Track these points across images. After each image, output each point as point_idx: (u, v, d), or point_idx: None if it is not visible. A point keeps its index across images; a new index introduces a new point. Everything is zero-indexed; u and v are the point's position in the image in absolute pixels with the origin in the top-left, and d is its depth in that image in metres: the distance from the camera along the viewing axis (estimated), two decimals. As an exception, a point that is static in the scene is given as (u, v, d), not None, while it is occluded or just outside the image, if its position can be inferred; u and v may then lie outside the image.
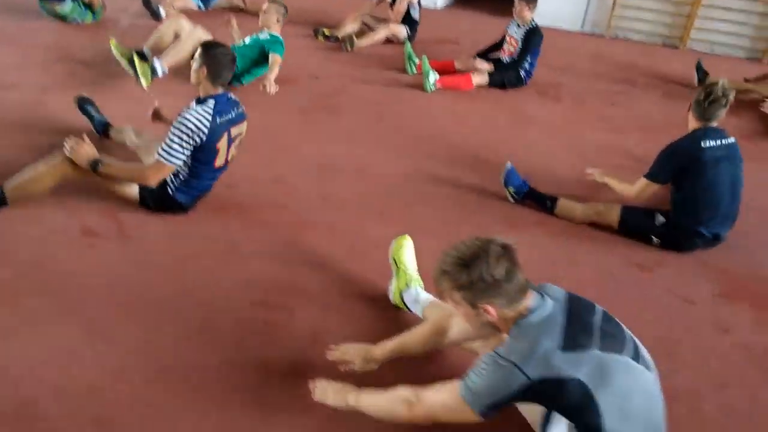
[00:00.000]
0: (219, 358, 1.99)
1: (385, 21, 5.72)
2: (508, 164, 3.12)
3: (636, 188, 2.92)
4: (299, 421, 1.80)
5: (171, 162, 2.52)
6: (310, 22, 6.07)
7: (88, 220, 2.61)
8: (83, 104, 3.35)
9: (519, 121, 4.30)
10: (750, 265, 2.80)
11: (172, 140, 2.49)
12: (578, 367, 1.33)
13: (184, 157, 2.54)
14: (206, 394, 1.86)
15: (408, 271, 2.23)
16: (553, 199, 3.02)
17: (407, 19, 5.71)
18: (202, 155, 2.58)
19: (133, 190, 2.65)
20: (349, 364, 1.86)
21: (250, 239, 2.64)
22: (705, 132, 2.73)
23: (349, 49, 5.38)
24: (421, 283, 2.23)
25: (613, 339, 1.42)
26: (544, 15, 7.19)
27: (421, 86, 4.63)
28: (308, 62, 5.07)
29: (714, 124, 2.75)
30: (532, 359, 1.34)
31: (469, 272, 1.39)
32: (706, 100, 2.69)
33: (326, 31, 5.74)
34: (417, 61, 4.89)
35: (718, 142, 2.72)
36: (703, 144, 2.69)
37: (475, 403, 1.41)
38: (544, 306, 1.44)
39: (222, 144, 2.61)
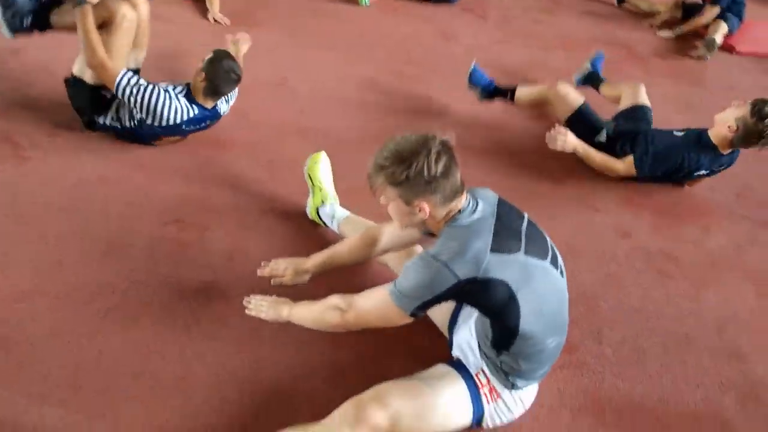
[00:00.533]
0: (128, 279, 1.94)
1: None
2: (474, 63, 3.17)
3: (610, 163, 2.80)
4: (213, 338, 1.80)
5: (119, 84, 2.33)
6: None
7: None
8: None
9: (445, 39, 4.22)
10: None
11: (133, 92, 2.34)
12: (505, 269, 1.36)
13: (130, 103, 2.38)
14: (114, 315, 1.82)
15: (323, 188, 2.20)
16: (513, 88, 3.10)
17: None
18: (146, 124, 2.44)
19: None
20: (280, 278, 1.84)
21: (164, 158, 2.52)
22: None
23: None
24: (337, 199, 2.22)
25: (536, 245, 1.46)
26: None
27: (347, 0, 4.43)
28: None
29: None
30: (462, 259, 1.34)
31: (407, 168, 1.35)
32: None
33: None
34: None
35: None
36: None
37: (405, 304, 1.41)
38: (476, 208, 1.44)
39: (172, 139, 2.55)
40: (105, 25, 2.34)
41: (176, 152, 2.57)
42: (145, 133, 2.49)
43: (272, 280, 1.85)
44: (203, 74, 2.42)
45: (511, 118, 3.24)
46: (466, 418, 1.53)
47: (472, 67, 3.16)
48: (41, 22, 2.46)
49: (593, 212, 2.64)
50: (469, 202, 1.46)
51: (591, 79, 3.40)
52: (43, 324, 1.76)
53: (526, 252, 1.41)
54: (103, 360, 1.69)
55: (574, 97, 2.93)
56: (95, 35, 2.28)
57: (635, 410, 1.78)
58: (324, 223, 2.20)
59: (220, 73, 2.41)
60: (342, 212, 2.15)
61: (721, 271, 2.38)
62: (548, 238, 1.55)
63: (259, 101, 3.04)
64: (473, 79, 3.14)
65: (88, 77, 2.39)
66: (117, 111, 2.48)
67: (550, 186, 2.77)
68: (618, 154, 2.78)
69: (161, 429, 1.55)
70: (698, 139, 2.71)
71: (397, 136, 1.42)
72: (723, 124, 2.61)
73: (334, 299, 1.58)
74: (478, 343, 1.58)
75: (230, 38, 2.99)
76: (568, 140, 2.71)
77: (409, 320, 1.46)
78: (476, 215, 1.43)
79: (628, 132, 2.81)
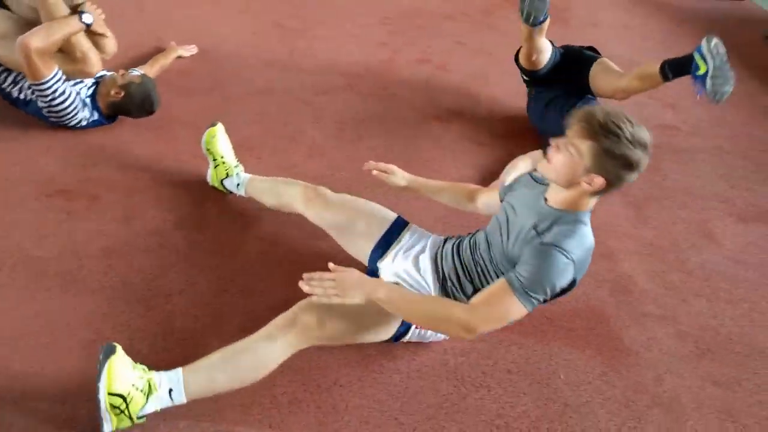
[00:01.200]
0: (15, 257, 1.86)
1: None
2: None
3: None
4: (115, 298, 1.78)
5: (48, 81, 2.23)
6: None
7: None
8: None
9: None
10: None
11: (55, 95, 2.27)
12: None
13: (44, 99, 2.29)
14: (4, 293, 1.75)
15: (226, 161, 2.15)
16: None
17: None
18: (39, 111, 2.36)
19: None
20: (387, 174, 1.82)
21: (43, 134, 2.39)
22: None
23: None
24: (240, 166, 2.17)
25: None
26: None
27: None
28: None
29: None
30: (583, 268, 1.40)
31: (629, 149, 1.30)
32: None
33: None
34: None
35: None
36: None
37: (532, 302, 1.37)
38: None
39: None
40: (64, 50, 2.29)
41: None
42: (30, 111, 2.39)
43: (375, 172, 1.82)
44: (122, 92, 2.33)
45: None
46: (392, 328, 1.59)
47: None
48: None
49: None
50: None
51: None
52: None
53: None
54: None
55: None
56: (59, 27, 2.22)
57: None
58: (229, 191, 2.18)
59: (138, 102, 2.37)
60: (245, 176, 2.12)
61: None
62: None
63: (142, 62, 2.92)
64: None
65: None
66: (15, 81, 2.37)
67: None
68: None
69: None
70: None
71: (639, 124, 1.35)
72: None
73: (458, 312, 1.41)
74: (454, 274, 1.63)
75: (177, 48, 2.99)
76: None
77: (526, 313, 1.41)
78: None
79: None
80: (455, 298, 1.62)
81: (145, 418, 1.41)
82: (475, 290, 1.58)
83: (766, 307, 2.08)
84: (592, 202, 1.43)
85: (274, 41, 3.38)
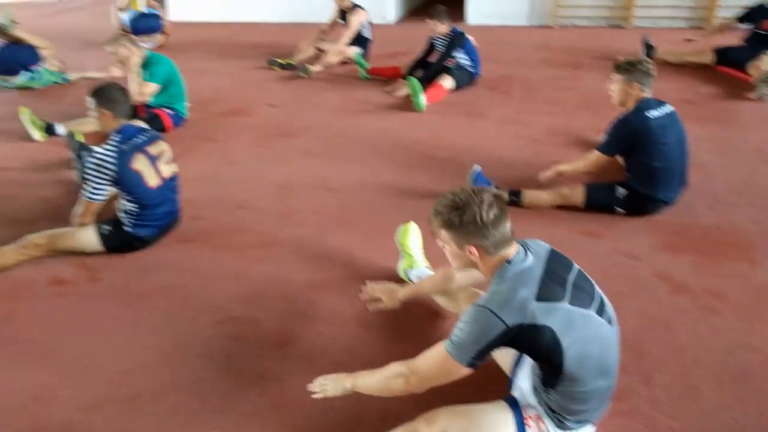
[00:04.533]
0: (190, 376, 2.07)
1: (337, 43, 5.89)
2: (476, 167, 3.22)
3: (589, 160, 3.07)
4: (272, 422, 1.88)
5: (93, 199, 2.71)
6: (265, 54, 6.26)
7: (57, 271, 2.70)
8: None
9: (472, 118, 4.45)
10: (690, 217, 2.93)
11: (88, 181, 2.67)
12: (549, 315, 1.44)
13: (104, 193, 2.70)
14: (179, 412, 1.93)
15: (412, 254, 2.48)
16: (517, 193, 3.09)
17: (359, 39, 5.87)
18: (129, 184, 2.70)
19: (92, 242, 2.76)
20: (377, 303, 2.17)
21: (216, 263, 2.73)
22: (647, 103, 2.88)
23: (304, 75, 5.55)
24: (427, 262, 2.47)
25: (582, 294, 1.54)
26: (489, 14, 7.47)
27: (373, 100, 4.79)
28: (265, 92, 5.24)
29: (649, 93, 2.90)
30: (509, 307, 1.44)
31: (460, 214, 1.52)
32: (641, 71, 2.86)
33: (280, 61, 5.93)
34: (367, 66, 5.33)
35: (661, 111, 2.87)
36: (648, 114, 2.84)
37: (461, 356, 1.49)
38: (525, 258, 1.55)
39: (141, 165, 2.72)
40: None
41: (226, 256, 2.80)
42: (148, 200, 2.77)
43: (370, 305, 2.18)
44: (102, 110, 2.69)
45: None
46: None
47: (474, 170, 3.20)
48: None
49: (631, 260, 2.63)
50: (519, 253, 1.57)
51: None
52: (117, 430, 1.89)
53: (571, 301, 1.49)
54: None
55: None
56: (75, 215, 2.80)
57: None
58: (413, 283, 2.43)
59: (110, 96, 2.71)
60: (427, 272, 2.40)
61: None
62: (596, 288, 1.62)
63: (300, 201, 3.29)
64: (474, 182, 3.17)
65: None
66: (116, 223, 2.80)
67: (586, 239, 2.80)
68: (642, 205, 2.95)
69: None
70: None
71: (458, 188, 1.59)
72: None
73: (395, 367, 1.66)
74: (533, 382, 1.64)
75: None
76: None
77: (468, 371, 1.52)
78: (525, 264, 1.54)
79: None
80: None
81: None
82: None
83: None
84: (492, 261, 1.56)
85: (426, 169, 3.60)
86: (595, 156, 3.04)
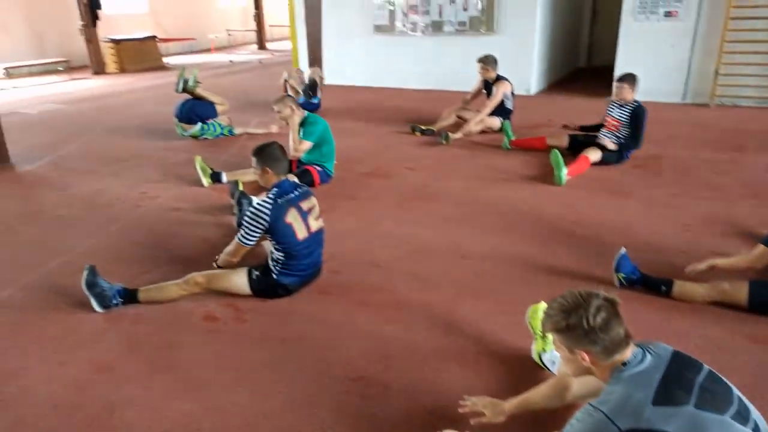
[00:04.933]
0: (318, 429, 2.14)
1: (479, 113, 6.02)
2: (622, 249, 3.02)
3: (754, 256, 2.78)
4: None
5: (245, 243, 2.95)
6: (408, 120, 6.54)
7: (210, 308, 2.95)
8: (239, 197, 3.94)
9: (617, 197, 4.26)
10: None
11: (244, 227, 2.91)
12: (669, 420, 1.36)
13: (255, 240, 2.94)
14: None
15: (545, 337, 2.39)
16: (668, 283, 2.87)
17: (501, 109, 5.96)
18: (280, 235, 2.90)
19: (243, 285, 2.99)
20: (479, 416, 2.02)
21: (350, 319, 2.82)
22: None
23: (444, 142, 5.71)
24: None
25: (714, 398, 1.43)
26: (640, 90, 7.21)
27: (512, 170, 4.78)
28: (405, 156, 5.44)
29: None
30: (623, 411, 1.40)
31: (568, 318, 1.53)
32: None
33: (422, 126, 6.16)
34: (513, 136, 5.37)
35: None
36: None
37: None
38: (642, 360, 1.51)
39: (292, 218, 2.92)
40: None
41: (360, 312, 2.87)
42: (295, 251, 2.95)
43: (471, 419, 2.01)
44: (264, 168, 2.95)
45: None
46: None
47: (620, 253, 3.00)
48: (129, 299, 2.99)
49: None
50: (636, 355, 1.52)
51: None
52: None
53: (698, 405, 1.40)
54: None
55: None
56: (225, 254, 3.12)
57: None
58: (547, 368, 2.35)
59: (271, 155, 2.96)
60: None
61: None
62: (735, 391, 1.48)
63: (433, 265, 3.32)
64: (619, 266, 2.97)
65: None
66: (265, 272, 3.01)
67: (755, 347, 2.50)
68: None
69: None
70: None
71: (567, 291, 1.59)
72: None
73: None
74: None
75: None
76: None
77: None
78: (641, 367, 1.50)
79: None
80: None
81: None
82: None
83: None
84: (606, 365, 1.54)
85: (564, 247, 3.49)
86: (761, 251, 2.75)
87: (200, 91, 6.22)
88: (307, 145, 4.56)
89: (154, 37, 13.19)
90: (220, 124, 6.28)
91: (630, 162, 4.91)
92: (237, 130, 6.37)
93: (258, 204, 2.91)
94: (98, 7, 11.80)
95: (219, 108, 6.28)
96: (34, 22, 12.63)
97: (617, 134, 4.86)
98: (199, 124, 6.18)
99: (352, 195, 4.48)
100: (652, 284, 2.92)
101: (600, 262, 3.20)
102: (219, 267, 3.14)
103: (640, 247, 3.36)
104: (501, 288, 3.07)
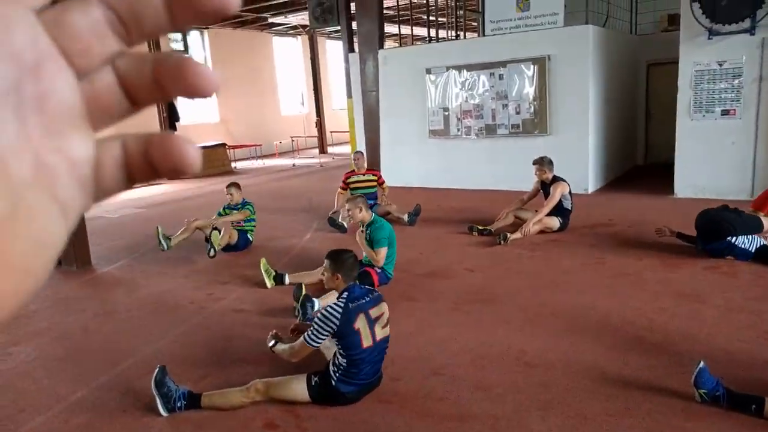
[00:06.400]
0: None
1: (537, 213, 6.03)
2: (701, 363, 2.79)
3: None
4: None
5: (311, 344, 2.97)
6: (465, 220, 6.61)
7: (271, 414, 2.93)
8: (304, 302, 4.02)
9: (688, 300, 4.07)
10: None
11: (312, 327, 2.95)
12: None
13: (321, 341, 2.96)
14: None
15: None
16: (759, 401, 2.61)
17: (560, 209, 5.95)
18: (345, 340, 2.90)
19: (302, 393, 2.98)
20: None
21: (405, 427, 2.74)
22: None
23: (502, 242, 5.70)
24: None
25: None
26: (704, 188, 7.08)
27: (573, 270, 4.68)
28: (463, 257, 5.44)
29: None
30: None
31: None
32: None
33: (480, 227, 6.19)
34: None
35: None
36: None
37: None
38: None
39: (361, 325, 2.92)
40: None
41: (422, 425, 2.77)
42: (358, 358, 2.92)
43: None
44: (336, 274, 3.08)
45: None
46: None
47: (700, 367, 2.77)
48: (192, 403, 3.00)
49: None
50: None
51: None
52: None
53: None
54: None
55: None
56: (287, 349, 3.17)
57: None
58: None
59: (345, 263, 3.10)
60: None
61: None
62: None
63: (496, 373, 3.21)
64: (699, 381, 2.75)
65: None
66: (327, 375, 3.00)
67: None
68: None
69: None
70: None
71: None
72: None
73: None
74: None
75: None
76: None
77: None
78: None
79: None
80: None
81: None
82: None
83: None
84: None
85: (639, 357, 3.33)
86: None
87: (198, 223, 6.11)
88: (384, 252, 4.66)
89: (224, 144, 14.18)
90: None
91: (698, 263, 4.72)
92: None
93: (330, 306, 2.97)
94: (177, 119, 12.92)
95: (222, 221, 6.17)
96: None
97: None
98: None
99: (410, 296, 4.48)
100: (739, 402, 2.69)
101: (674, 372, 3.01)
102: (272, 351, 3.26)
103: (720, 357, 3.15)
104: (570, 400, 2.91)
